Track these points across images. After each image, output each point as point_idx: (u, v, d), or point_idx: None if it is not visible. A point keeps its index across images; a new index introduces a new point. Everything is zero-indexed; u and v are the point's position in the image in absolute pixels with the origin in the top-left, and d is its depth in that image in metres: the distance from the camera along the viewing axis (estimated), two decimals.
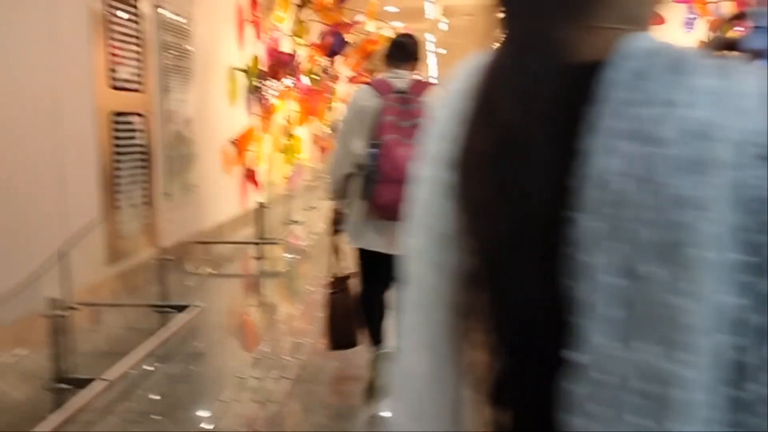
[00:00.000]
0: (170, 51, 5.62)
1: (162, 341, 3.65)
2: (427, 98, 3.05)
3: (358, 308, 3.25)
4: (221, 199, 7.02)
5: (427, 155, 0.79)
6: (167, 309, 4.05)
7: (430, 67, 23.82)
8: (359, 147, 3.06)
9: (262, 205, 6.46)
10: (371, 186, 3.00)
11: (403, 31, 3.85)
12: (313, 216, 8.82)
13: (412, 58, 3.25)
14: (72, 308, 2.97)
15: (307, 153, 10.12)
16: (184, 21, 5.95)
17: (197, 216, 6.32)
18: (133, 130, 4.92)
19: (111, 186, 4.54)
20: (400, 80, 3.12)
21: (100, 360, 3.78)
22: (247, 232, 7.32)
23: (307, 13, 9.27)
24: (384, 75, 3.23)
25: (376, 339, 3.33)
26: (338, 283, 3.26)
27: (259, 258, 6.36)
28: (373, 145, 3.01)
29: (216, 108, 6.90)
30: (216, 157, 6.87)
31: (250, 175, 7.74)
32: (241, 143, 7.33)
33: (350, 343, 3.25)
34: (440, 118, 0.80)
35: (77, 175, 4.21)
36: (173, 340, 3.84)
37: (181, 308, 4.01)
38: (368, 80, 3.69)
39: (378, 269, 3.06)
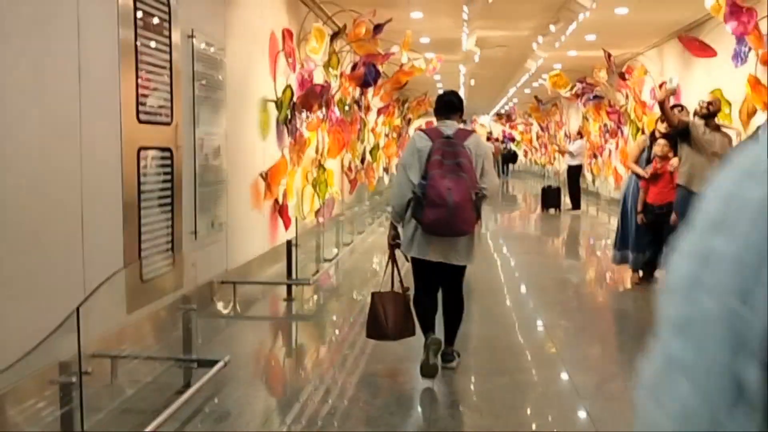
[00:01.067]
0: (202, 82, 5.38)
1: (185, 401, 3.31)
2: (468, 142, 4.02)
3: (413, 304, 4.16)
4: (250, 236, 6.73)
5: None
6: (191, 363, 3.72)
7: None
8: (415, 178, 3.95)
9: (291, 243, 6.16)
10: (421, 208, 3.90)
11: (449, 90, 4.69)
12: (345, 253, 8.49)
13: (458, 111, 4.21)
14: (86, 373, 2.64)
15: (337, 186, 9.83)
16: (218, 51, 5.72)
17: (225, 255, 6.02)
18: (161, 166, 4.64)
19: (135, 226, 4.26)
20: (448, 128, 4.08)
21: (119, 420, 3.44)
22: (276, 270, 7.02)
23: (340, 44, 9.06)
24: (436, 124, 4.19)
25: (427, 328, 4.13)
26: (395, 292, 4.17)
27: (288, 299, 6.03)
28: (423, 177, 3.92)
29: (247, 140, 6.64)
30: (246, 191, 6.59)
31: (280, 210, 7.46)
32: (272, 177, 7.06)
33: (409, 333, 4.15)
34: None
35: (100, 215, 3.92)
36: (196, 399, 3.50)
37: (206, 363, 3.67)
38: (423, 128, 4.62)
39: (427, 273, 4.12)
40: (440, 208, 3.80)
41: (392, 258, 4.17)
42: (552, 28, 9.47)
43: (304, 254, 6.83)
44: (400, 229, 4.09)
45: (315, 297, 6.28)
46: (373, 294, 4.18)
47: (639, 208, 6.91)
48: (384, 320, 4.04)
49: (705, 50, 8.10)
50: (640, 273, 7.12)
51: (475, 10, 8.21)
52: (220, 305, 5.57)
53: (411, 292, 4.16)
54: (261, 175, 6.84)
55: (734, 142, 6.90)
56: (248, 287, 6.14)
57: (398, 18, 8.96)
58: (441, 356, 4.09)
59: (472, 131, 4.39)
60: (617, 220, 7.57)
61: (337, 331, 5.52)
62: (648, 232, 6.90)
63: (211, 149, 5.63)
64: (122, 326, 4.09)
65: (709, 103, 7.03)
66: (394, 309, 4.04)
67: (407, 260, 4.13)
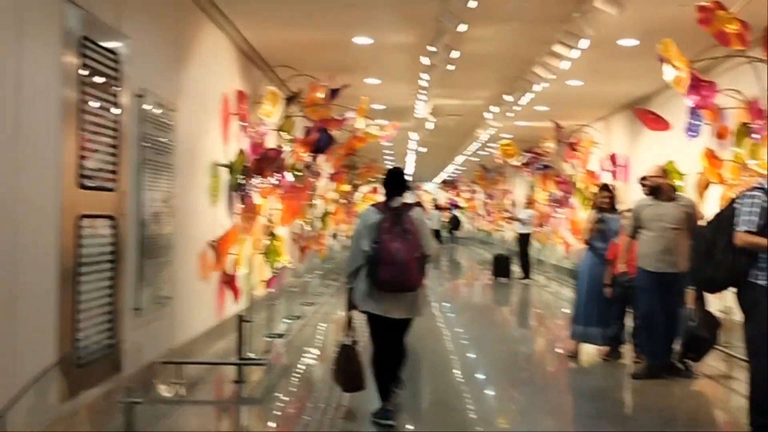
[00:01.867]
0: (150, 145, 5.00)
1: None
2: (411, 213, 4.68)
3: (372, 363, 4.73)
4: (196, 310, 6.24)
5: None
6: None
7: (408, 165, 23.69)
8: (366, 246, 4.52)
9: (241, 318, 5.71)
10: (375, 268, 4.47)
11: (395, 166, 5.55)
12: (298, 327, 8.03)
13: (404, 187, 4.80)
14: None
15: (288, 254, 9.42)
16: (168, 112, 5.36)
17: (169, 331, 5.52)
18: (102, 235, 4.20)
19: (71, 305, 3.78)
20: (395, 202, 4.71)
21: None
22: (223, 346, 6.51)
23: (293, 108, 8.82)
24: (384, 199, 4.79)
25: (385, 396, 4.68)
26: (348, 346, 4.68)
27: (238, 381, 5.54)
28: (376, 242, 4.49)
29: (196, 207, 6.23)
30: (193, 261, 6.14)
31: (229, 281, 7.00)
32: (221, 245, 6.63)
33: (359, 387, 4.70)
34: None
35: (33, 289, 3.45)
36: None
37: None
38: (375, 203, 5.06)
39: (381, 327, 4.64)
40: (392, 266, 4.41)
41: (349, 317, 4.74)
42: (507, 97, 9.48)
43: (254, 328, 6.37)
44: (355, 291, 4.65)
45: (266, 377, 5.79)
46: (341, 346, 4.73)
47: (606, 281, 6.74)
48: (341, 373, 4.67)
49: (659, 123, 8.15)
50: (605, 348, 6.91)
51: (434, 78, 8.12)
52: (162, 388, 5.04)
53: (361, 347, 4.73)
54: (210, 243, 6.41)
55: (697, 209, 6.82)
56: (194, 367, 5.63)
57: (354, 84, 8.81)
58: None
59: (414, 203, 5.15)
60: (575, 296, 7.31)
61: (288, 418, 5.06)
62: (614, 306, 6.71)
63: (158, 217, 5.21)
64: (54, 419, 3.57)
65: (642, 178, 7.00)
66: (346, 364, 4.63)
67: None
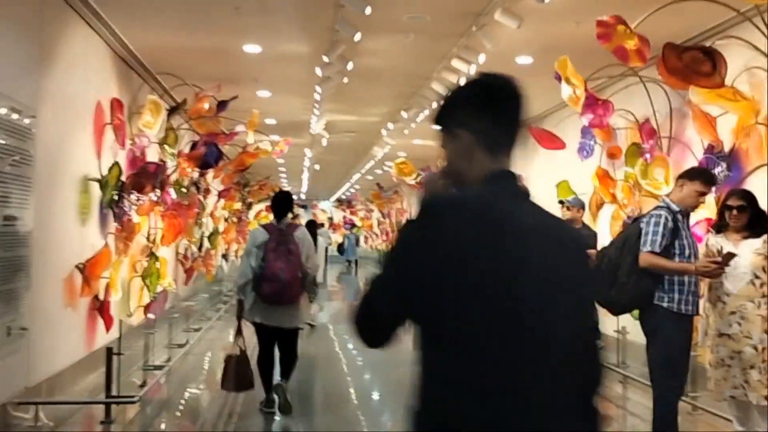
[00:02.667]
0: (5, 156, 4.35)
1: None
2: (296, 233, 5.28)
3: (258, 363, 5.32)
4: (62, 341, 5.55)
5: None
6: None
7: (303, 183, 23.20)
8: (254, 263, 5.09)
9: (110, 351, 5.10)
10: (260, 284, 5.06)
11: (283, 189, 6.37)
12: (179, 357, 7.39)
13: (289, 209, 5.47)
14: None
15: (171, 276, 8.75)
16: (26, 119, 4.72)
17: (25, 367, 4.83)
18: None
19: None
20: (281, 224, 5.30)
21: None
22: (94, 380, 5.84)
23: (178, 120, 8.23)
24: (272, 220, 5.44)
25: (268, 384, 5.34)
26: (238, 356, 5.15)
27: (107, 421, 4.92)
28: (263, 261, 5.07)
29: (62, 226, 5.55)
30: (57, 287, 5.46)
31: (101, 308, 6.32)
32: (91, 268, 5.96)
33: (248, 386, 5.18)
34: None
35: None
36: None
37: None
38: (263, 224, 5.81)
39: (266, 335, 5.26)
40: (275, 283, 5.01)
41: (239, 327, 5.25)
42: (404, 114, 9.28)
43: (129, 360, 5.74)
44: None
45: (142, 416, 5.19)
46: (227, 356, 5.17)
47: None
48: (232, 376, 5.07)
49: (554, 142, 8.17)
50: None
51: (327, 91, 7.78)
52: None
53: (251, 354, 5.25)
54: (78, 266, 5.74)
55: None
56: (56, 407, 4.95)
57: (244, 96, 8.33)
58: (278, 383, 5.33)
59: (299, 225, 5.86)
60: None
61: None
62: None
63: (14, 237, 4.55)
64: None
65: (561, 202, 6.98)
66: (236, 367, 5.07)
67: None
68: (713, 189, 4.08)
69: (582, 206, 6.86)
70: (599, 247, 5.55)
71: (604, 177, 7.72)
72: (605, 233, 7.89)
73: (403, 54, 6.95)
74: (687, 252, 3.97)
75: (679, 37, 5.45)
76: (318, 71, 6.83)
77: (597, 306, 4.71)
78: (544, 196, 9.43)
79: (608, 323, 7.57)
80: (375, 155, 13.46)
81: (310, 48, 6.73)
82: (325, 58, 6.16)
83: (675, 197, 4.10)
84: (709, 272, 3.86)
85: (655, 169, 6.84)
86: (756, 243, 4.12)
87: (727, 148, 5.79)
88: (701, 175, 4.14)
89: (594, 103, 6.28)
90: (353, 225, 30.82)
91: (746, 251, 4.12)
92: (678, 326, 3.90)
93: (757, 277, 4.07)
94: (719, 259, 3.88)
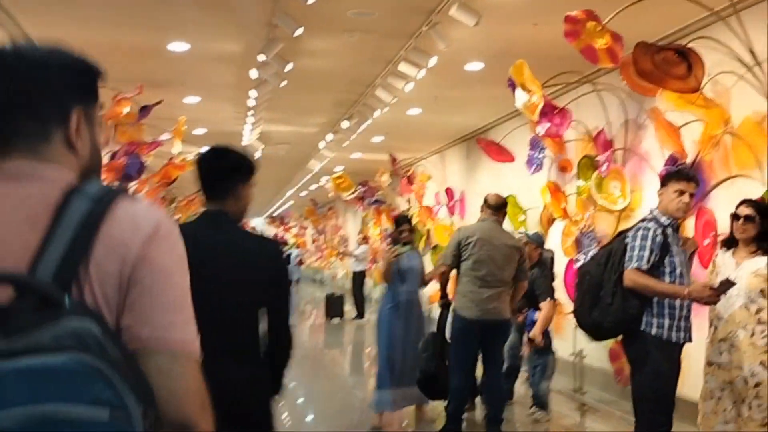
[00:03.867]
0: None
1: None
2: None
3: None
4: None
5: None
6: None
7: None
8: None
9: None
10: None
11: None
12: None
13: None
14: None
15: None
16: None
17: None
18: None
19: None
20: None
21: None
22: None
23: None
24: None
25: None
26: None
27: None
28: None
29: None
30: None
31: None
32: None
33: None
34: None
35: None
36: None
37: None
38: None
39: None
40: None
41: None
42: (344, 124, 8.73)
43: None
44: None
45: None
46: None
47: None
48: None
49: (503, 154, 7.79)
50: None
51: (263, 97, 7.16)
52: None
53: None
54: None
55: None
56: None
57: (170, 101, 7.64)
58: None
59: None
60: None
61: None
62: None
63: None
64: None
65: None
66: None
67: None
68: (695, 186, 3.67)
69: (540, 244, 6.20)
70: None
71: (555, 191, 7.36)
72: (557, 250, 7.51)
73: (347, 55, 6.42)
74: (678, 270, 3.55)
75: (646, 39, 5.10)
76: (253, 73, 6.22)
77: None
78: None
79: (563, 346, 7.19)
80: (311, 169, 12.86)
81: (244, 46, 6.12)
82: (262, 57, 5.56)
83: (660, 208, 3.69)
84: (702, 299, 3.45)
85: (611, 182, 6.51)
86: (758, 262, 3.73)
87: (689, 160, 5.49)
88: (675, 174, 3.76)
89: (551, 111, 5.89)
90: (285, 242, 30.01)
91: (744, 272, 3.73)
92: (667, 355, 3.46)
93: (752, 301, 3.67)
94: (715, 284, 3.47)
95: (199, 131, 10.30)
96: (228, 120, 9.39)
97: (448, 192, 11.21)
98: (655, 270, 3.52)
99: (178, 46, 6.19)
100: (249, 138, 9.71)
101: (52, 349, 0.86)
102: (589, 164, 7.00)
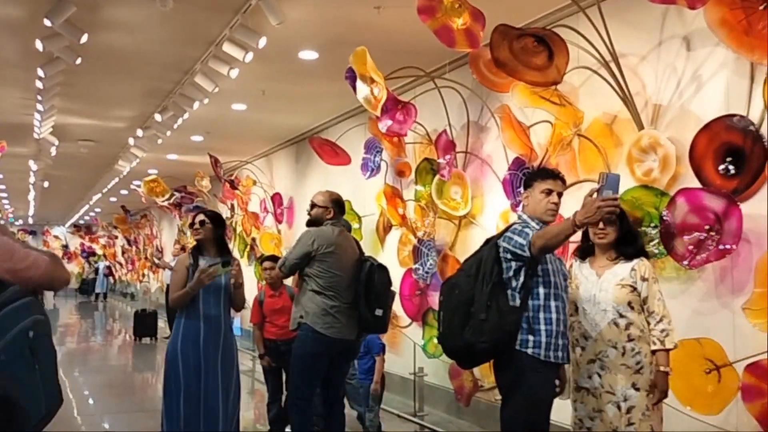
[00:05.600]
0: None
1: None
2: None
3: None
4: None
5: None
6: None
7: (30, 205, 19.82)
8: None
9: None
10: None
11: None
12: None
13: None
14: None
15: None
16: None
17: None
18: None
19: None
20: None
21: None
22: None
23: None
24: None
25: None
26: None
27: None
28: None
29: None
30: None
31: None
32: None
33: None
34: None
35: None
36: None
37: None
38: None
39: None
40: None
41: None
42: (158, 117, 7.66)
43: None
44: None
45: None
46: None
47: (260, 350, 5.33)
48: None
49: (338, 157, 7.16)
50: None
51: (54, 78, 5.97)
52: None
53: None
54: None
55: None
56: None
57: None
58: None
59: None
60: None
61: None
62: (276, 378, 5.30)
63: None
64: None
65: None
66: None
67: None
68: (563, 184, 3.25)
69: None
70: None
71: (392, 197, 6.86)
72: (392, 260, 7.02)
73: (159, 30, 5.43)
74: (552, 279, 3.09)
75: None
76: (39, 45, 5.07)
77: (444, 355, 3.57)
78: None
79: (400, 363, 6.69)
80: (121, 170, 11.47)
81: (28, 11, 4.96)
82: (48, 22, 4.48)
83: (528, 211, 3.23)
84: (595, 216, 2.81)
85: (452, 187, 6.11)
86: (621, 272, 3.35)
87: (536, 163, 5.18)
88: (539, 173, 3.32)
89: (394, 107, 5.34)
90: (93, 254, 27.42)
91: (609, 283, 3.34)
92: (544, 379, 2.97)
93: (621, 315, 3.28)
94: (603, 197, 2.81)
95: None
96: (14, 108, 7.94)
97: (276, 198, 10.43)
98: (523, 284, 3.05)
99: None
100: (41, 132, 8.30)
101: None
102: (428, 168, 6.58)
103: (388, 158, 7.23)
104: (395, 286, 6.84)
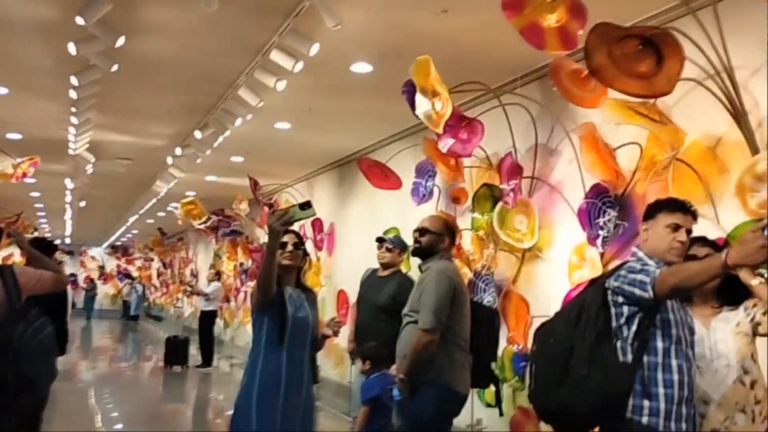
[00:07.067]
0: None
1: None
2: None
3: None
4: None
5: None
6: None
7: (67, 225, 19.67)
8: None
9: None
10: None
11: None
12: None
13: None
14: None
15: None
16: None
17: None
18: None
19: None
20: None
21: None
22: None
23: None
24: None
25: None
26: None
27: None
28: None
29: None
30: None
31: None
32: None
33: None
34: None
35: None
36: None
37: None
38: None
39: None
40: None
41: None
42: (198, 134, 7.20)
43: None
44: None
45: None
46: None
47: None
48: None
49: (388, 180, 6.60)
50: None
51: (89, 87, 5.54)
52: None
53: None
54: None
55: None
56: None
57: None
58: None
59: None
60: None
61: None
62: None
63: None
64: None
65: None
66: None
67: None
68: (693, 220, 2.66)
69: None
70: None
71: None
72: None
73: (202, 37, 4.95)
74: (674, 331, 2.49)
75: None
76: (72, 48, 4.63)
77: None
78: (364, 247, 7.78)
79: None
80: (158, 192, 11.09)
81: (60, 11, 4.53)
82: (80, 20, 4.03)
83: (647, 248, 2.64)
84: (753, 257, 2.19)
85: (517, 216, 5.50)
86: (734, 317, 2.74)
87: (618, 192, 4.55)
88: (664, 204, 2.74)
89: (457, 124, 4.77)
90: (128, 275, 27.26)
91: (726, 333, 2.72)
92: None
93: (746, 371, 2.66)
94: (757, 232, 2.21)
95: (14, 136, 8.37)
96: (48, 121, 7.57)
97: (316, 224, 9.91)
98: (641, 338, 2.45)
99: None
100: (77, 147, 7.93)
101: None
102: (488, 194, 5.97)
103: (441, 183, 6.67)
104: None
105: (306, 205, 3.12)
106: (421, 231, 3.87)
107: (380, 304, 5.05)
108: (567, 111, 5.08)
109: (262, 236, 11.64)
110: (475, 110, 6.00)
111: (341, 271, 9.23)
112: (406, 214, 7.24)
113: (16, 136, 8.34)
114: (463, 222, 6.30)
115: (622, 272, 2.56)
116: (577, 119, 4.95)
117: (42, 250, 4.05)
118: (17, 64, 5.69)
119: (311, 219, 9.98)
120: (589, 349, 2.40)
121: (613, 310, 2.52)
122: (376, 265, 5.44)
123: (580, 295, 2.65)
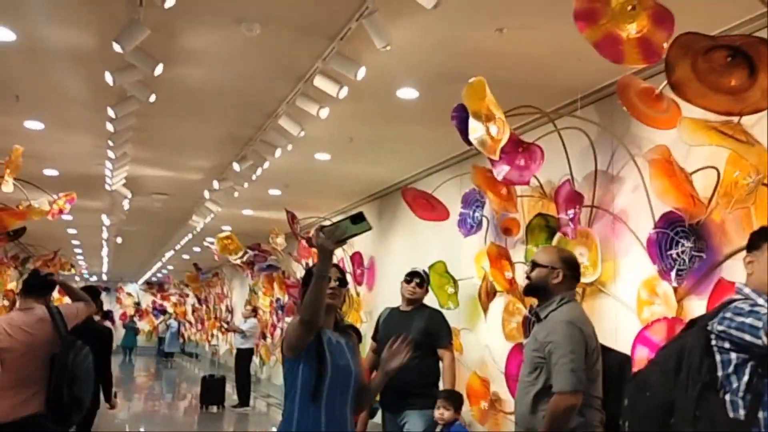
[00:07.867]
0: None
1: None
2: None
3: None
4: None
5: None
6: None
7: (104, 261, 19.68)
8: None
9: None
10: None
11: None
12: None
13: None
14: None
15: None
16: None
17: None
18: None
19: None
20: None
21: None
22: None
23: None
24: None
25: None
26: None
27: None
28: None
29: None
30: None
31: None
32: None
33: None
34: None
35: None
36: None
37: None
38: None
39: None
40: None
41: None
42: (236, 166, 6.99)
43: None
44: None
45: None
46: None
47: None
48: None
49: (435, 211, 6.29)
50: None
51: (126, 120, 5.36)
52: None
53: None
54: None
55: None
56: None
57: (5, 125, 5.78)
58: None
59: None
60: None
61: None
62: None
63: None
64: None
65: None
66: None
67: None
68: None
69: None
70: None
71: (497, 258, 5.91)
72: (496, 333, 6.05)
73: (242, 63, 4.74)
74: None
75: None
76: (108, 78, 4.44)
77: None
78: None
79: None
80: (194, 227, 10.92)
81: (96, 40, 4.35)
82: (117, 47, 3.83)
83: (755, 283, 2.27)
84: None
85: (577, 248, 5.12)
86: None
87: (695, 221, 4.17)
88: None
89: (514, 150, 4.46)
90: (163, 311, 27.19)
91: None
92: None
93: None
94: None
95: (51, 172, 8.27)
96: (85, 156, 7.44)
97: (355, 258, 9.61)
98: (759, 381, 2.09)
99: (5, 34, 4.32)
100: (114, 183, 7.78)
101: None
102: (542, 225, 5.62)
103: (489, 213, 6.34)
104: (500, 364, 5.91)
105: (358, 218, 2.63)
106: (532, 265, 3.46)
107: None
108: (629, 134, 4.74)
109: (299, 271, 11.38)
110: (527, 136, 5.70)
111: (382, 307, 8.87)
112: (451, 246, 6.92)
113: (53, 173, 8.24)
114: (516, 254, 5.94)
115: (728, 314, 2.21)
116: (641, 143, 4.60)
117: (92, 296, 4.81)
118: (53, 97, 5.54)
119: (363, 234, 9.69)
120: (693, 404, 2.05)
121: (718, 357, 2.18)
122: (398, 303, 5.38)
123: (678, 339, 2.30)
